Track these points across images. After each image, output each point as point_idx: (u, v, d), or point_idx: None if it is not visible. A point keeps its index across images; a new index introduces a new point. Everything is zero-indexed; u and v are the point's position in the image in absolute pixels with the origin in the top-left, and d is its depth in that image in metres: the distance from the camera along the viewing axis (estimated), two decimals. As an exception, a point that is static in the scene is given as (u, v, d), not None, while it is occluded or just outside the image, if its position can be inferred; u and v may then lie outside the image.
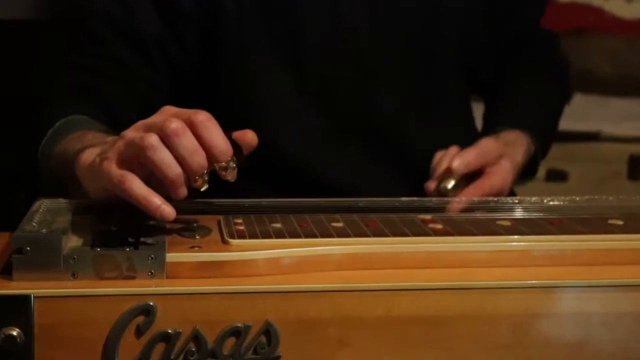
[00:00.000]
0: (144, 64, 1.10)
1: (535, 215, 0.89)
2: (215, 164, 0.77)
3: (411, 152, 1.14)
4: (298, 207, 0.87)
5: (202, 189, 0.78)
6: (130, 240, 0.76)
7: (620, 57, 2.35)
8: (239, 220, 0.83)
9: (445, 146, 1.06)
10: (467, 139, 1.14)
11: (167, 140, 0.76)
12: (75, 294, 0.71)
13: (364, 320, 0.74)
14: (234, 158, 0.78)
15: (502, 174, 1.01)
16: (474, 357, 0.76)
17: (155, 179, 0.77)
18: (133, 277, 0.73)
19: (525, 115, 1.17)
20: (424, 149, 1.08)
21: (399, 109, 1.14)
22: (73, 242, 0.76)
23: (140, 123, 0.79)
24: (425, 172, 1.04)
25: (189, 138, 0.76)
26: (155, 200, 0.75)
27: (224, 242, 0.78)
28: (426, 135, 1.14)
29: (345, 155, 1.12)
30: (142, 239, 0.76)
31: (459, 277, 0.77)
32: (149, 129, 0.77)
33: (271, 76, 1.12)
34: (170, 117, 0.77)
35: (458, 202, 0.95)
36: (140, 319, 0.71)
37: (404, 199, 0.91)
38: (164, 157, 0.76)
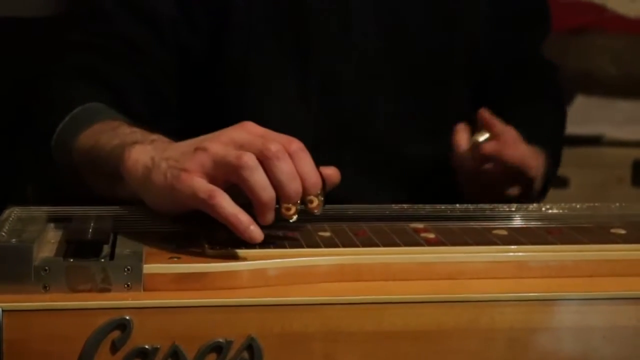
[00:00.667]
0: (158, 44, 1.06)
1: (533, 224, 0.87)
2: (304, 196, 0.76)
3: (408, 165, 1.12)
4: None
5: (292, 220, 0.77)
6: (106, 250, 0.73)
7: (623, 58, 2.32)
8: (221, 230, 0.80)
9: (444, 160, 1.05)
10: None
11: (266, 163, 0.74)
12: (47, 308, 0.69)
13: (352, 334, 0.71)
14: (322, 191, 0.77)
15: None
16: (468, 374, 0.73)
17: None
18: (108, 290, 0.71)
19: (537, 136, 1.14)
20: (421, 162, 1.06)
21: (399, 121, 1.13)
22: (45, 252, 0.74)
23: (225, 137, 0.76)
24: (422, 185, 1.02)
25: (289, 164, 0.75)
26: (246, 220, 0.74)
27: (205, 252, 0.76)
28: (425, 149, 1.12)
29: (341, 165, 1.09)
30: (118, 249, 0.73)
31: (453, 289, 0.75)
32: (241, 147, 0.75)
33: (273, 78, 1.10)
34: (267, 139, 0.75)
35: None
36: (116, 334, 0.69)
37: (395, 206, 0.89)
38: (261, 179, 0.74)
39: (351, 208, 0.87)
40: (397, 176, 1.11)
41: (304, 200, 0.76)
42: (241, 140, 0.76)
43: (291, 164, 0.75)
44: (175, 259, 0.73)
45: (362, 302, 0.72)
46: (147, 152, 0.79)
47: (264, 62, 1.09)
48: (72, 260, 0.71)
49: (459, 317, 0.72)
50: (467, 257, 0.77)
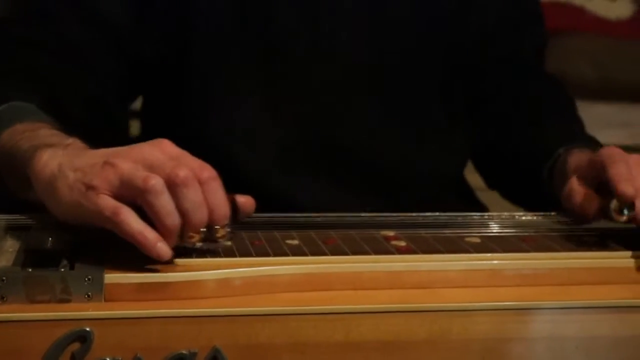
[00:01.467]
0: (100, 53, 1.03)
1: (506, 231, 0.85)
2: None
3: (381, 174, 1.09)
4: (250, 224, 0.82)
5: (195, 247, 0.74)
6: (66, 259, 0.71)
7: (602, 60, 2.32)
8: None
9: (424, 168, 1.01)
10: (451, 159, 1.09)
11: (173, 188, 0.72)
12: (4, 319, 0.67)
13: (321, 345, 0.70)
14: (232, 220, 0.75)
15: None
16: (439, 385, 0.72)
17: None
18: (68, 301, 0.69)
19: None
20: (395, 171, 1.03)
21: (370, 130, 1.09)
22: (2, 261, 0.72)
23: (136, 155, 0.74)
24: (396, 195, 0.99)
25: (197, 192, 0.72)
26: (153, 237, 0.71)
27: (169, 261, 0.73)
28: (399, 158, 1.09)
29: (313, 179, 1.07)
30: (78, 259, 0.71)
31: (424, 298, 0.73)
32: (151, 167, 0.73)
33: (238, 87, 1.06)
34: (178, 164, 0.73)
35: None
36: (76, 346, 0.67)
37: (365, 214, 0.87)
38: (166, 205, 0.72)
39: (321, 216, 0.86)
40: (369, 186, 1.09)
41: (210, 230, 0.74)
42: (152, 160, 0.73)
43: (199, 193, 0.72)
44: (138, 268, 0.71)
45: (330, 312, 0.70)
46: (56, 158, 0.77)
47: (228, 70, 1.06)
48: (30, 270, 0.69)
49: (430, 327, 0.71)
50: (439, 265, 0.76)
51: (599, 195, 0.86)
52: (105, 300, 0.69)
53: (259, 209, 0.89)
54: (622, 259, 0.79)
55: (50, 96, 0.95)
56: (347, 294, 0.73)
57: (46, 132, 0.85)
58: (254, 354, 0.69)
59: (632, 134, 2.14)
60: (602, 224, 0.86)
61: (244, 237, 0.79)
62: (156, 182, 0.71)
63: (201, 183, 0.73)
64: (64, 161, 0.76)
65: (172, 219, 0.72)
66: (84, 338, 0.67)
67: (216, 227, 0.74)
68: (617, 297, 0.75)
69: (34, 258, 0.71)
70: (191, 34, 1.05)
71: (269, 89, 1.06)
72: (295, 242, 0.79)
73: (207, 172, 0.73)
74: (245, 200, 0.78)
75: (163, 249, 0.72)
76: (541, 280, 0.77)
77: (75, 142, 0.80)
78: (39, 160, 0.78)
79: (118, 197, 0.73)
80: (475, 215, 0.90)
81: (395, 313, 0.71)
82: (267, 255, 0.75)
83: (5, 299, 0.68)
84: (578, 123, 1.14)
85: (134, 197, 0.72)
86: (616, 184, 0.82)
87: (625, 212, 0.81)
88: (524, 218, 0.90)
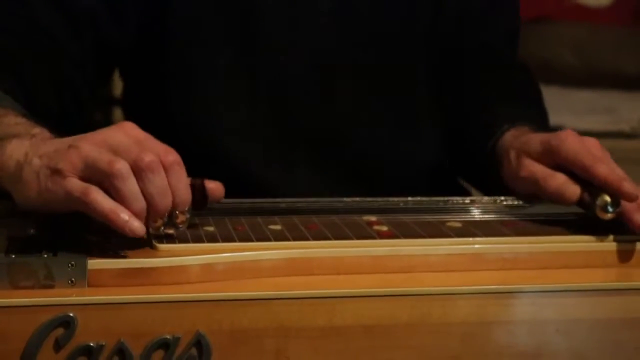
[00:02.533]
0: (71, 37, 1.02)
1: (487, 216, 0.86)
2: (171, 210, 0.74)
3: (364, 163, 1.09)
4: (233, 210, 0.82)
5: (159, 232, 0.75)
6: (49, 246, 0.71)
7: (584, 47, 2.32)
8: (169, 223, 0.78)
9: (405, 156, 1.01)
10: (429, 147, 1.09)
11: (138, 174, 0.72)
12: (-13, 305, 0.66)
13: (303, 330, 0.70)
14: (190, 207, 0.75)
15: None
16: (421, 368, 0.72)
17: None
18: (51, 286, 0.69)
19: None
20: (378, 160, 1.03)
21: (353, 119, 1.09)
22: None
23: (100, 138, 0.74)
24: (380, 184, 0.99)
25: (162, 177, 0.72)
26: (124, 215, 0.71)
27: (152, 246, 0.74)
28: (382, 147, 1.09)
29: (294, 167, 1.07)
30: (61, 245, 0.71)
31: (405, 283, 0.74)
32: (115, 151, 0.73)
33: (218, 76, 1.06)
34: (143, 148, 0.73)
35: None
36: (59, 331, 0.67)
37: (347, 199, 0.87)
38: (132, 190, 0.72)
39: (303, 201, 0.86)
40: (352, 175, 1.09)
41: (171, 214, 0.74)
42: (116, 144, 0.73)
43: (164, 178, 0.73)
44: (121, 254, 0.72)
45: (313, 296, 0.71)
46: (22, 148, 0.76)
47: (208, 60, 1.05)
48: (13, 256, 0.69)
49: (411, 311, 0.72)
50: (420, 250, 0.76)
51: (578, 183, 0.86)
52: (89, 286, 0.69)
53: (239, 197, 0.89)
54: (601, 242, 0.80)
55: (19, 80, 0.94)
56: (329, 279, 0.74)
57: (11, 120, 0.84)
58: (237, 339, 0.69)
59: (615, 120, 2.15)
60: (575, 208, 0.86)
61: (227, 222, 0.79)
62: (122, 166, 0.71)
63: (165, 168, 0.73)
64: (29, 150, 0.75)
65: (138, 202, 0.72)
66: (67, 323, 0.67)
67: (177, 212, 0.74)
68: (597, 280, 0.76)
69: (18, 244, 0.71)
70: (169, 20, 1.04)
71: (249, 78, 1.06)
72: (278, 227, 0.79)
73: (172, 156, 0.73)
74: (215, 186, 0.78)
75: (135, 224, 0.71)
76: (522, 264, 0.77)
77: (42, 132, 0.79)
78: (4, 151, 0.77)
79: (84, 179, 0.72)
80: (457, 199, 0.90)
81: (377, 297, 0.71)
82: (250, 240, 0.75)
83: (-12, 285, 0.68)
84: (536, 109, 1.14)
85: (100, 180, 0.72)
86: (619, 186, 0.81)
87: (610, 209, 0.81)
88: (505, 203, 0.91)
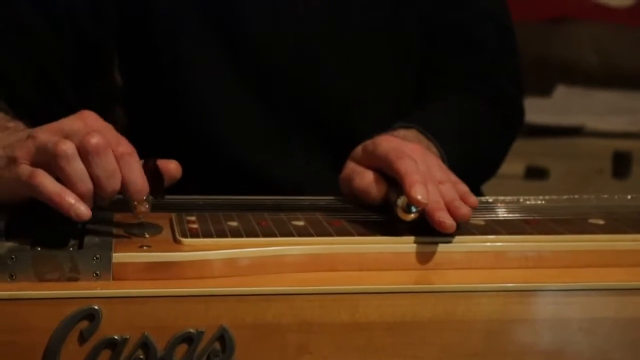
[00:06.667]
0: (50, 34, 1.02)
1: (511, 216, 0.85)
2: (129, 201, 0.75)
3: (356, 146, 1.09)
4: (257, 206, 0.82)
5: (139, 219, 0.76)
6: (74, 239, 0.71)
7: (605, 47, 2.31)
8: (193, 218, 0.79)
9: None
10: None
11: (84, 155, 0.72)
12: (13, 297, 0.67)
13: (326, 325, 0.70)
14: (150, 196, 0.75)
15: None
16: (443, 365, 0.72)
17: None
18: (76, 279, 0.69)
19: (434, 119, 1.06)
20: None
21: (343, 101, 1.09)
22: (11, 240, 0.72)
23: (57, 126, 0.75)
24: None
25: (109, 159, 0.72)
26: (69, 198, 0.71)
27: (176, 241, 0.74)
28: (375, 128, 1.08)
29: (288, 151, 1.07)
30: (86, 238, 0.72)
31: (429, 279, 0.74)
32: (66, 135, 0.73)
33: (206, 66, 1.05)
34: (92, 131, 0.73)
35: None
36: (84, 324, 0.67)
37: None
38: (77, 170, 0.72)
39: (325, 199, 0.86)
40: (343, 157, 1.08)
41: (130, 205, 0.75)
42: (70, 130, 0.74)
43: (112, 160, 0.72)
44: (146, 248, 0.72)
45: (336, 292, 0.71)
46: None
47: (194, 51, 1.05)
48: (39, 249, 0.69)
49: (434, 307, 0.71)
50: (444, 247, 0.76)
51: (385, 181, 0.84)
52: (114, 279, 0.70)
53: (236, 184, 0.89)
54: (625, 241, 0.79)
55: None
56: (352, 275, 0.74)
57: None
58: (260, 334, 0.69)
59: (636, 120, 2.14)
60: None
61: (250, 218, 0.79)
62: (67, 147, 0.71)
63: (117, 158, 0.73)
64: (3, 145, 0.76)
65: (84, 184, 0.72)
66: (92, 316, 0.67)
67: (134, 203, 0.74)
68: (620, 279, 0.75)
69: (43, 237, 0.71)
70: (151, 14, 1.04)
71: (237, 66, 1.05)
72: (301, 223, 0.79)
73: (122, 147, 0.74)
74: (173, 166, 0.78)
75: (81, 209, 0.71)
76: (545, 263, 0.77)
77: (17, 125, 0.80)
78: None
79: (36, 165, 0.73)
80: (481, 199, 0.90)
81: (400, 294, 0.71)
82: (274, 235, 0.76)
83: (14, 277, 0.68)
84: (456, 106, 1.11)
85: (48, 163, 0.72)
86: (408, 188, 0.78)
87: (413, 209, 0.78)
88: (528, 202, 0.91)
